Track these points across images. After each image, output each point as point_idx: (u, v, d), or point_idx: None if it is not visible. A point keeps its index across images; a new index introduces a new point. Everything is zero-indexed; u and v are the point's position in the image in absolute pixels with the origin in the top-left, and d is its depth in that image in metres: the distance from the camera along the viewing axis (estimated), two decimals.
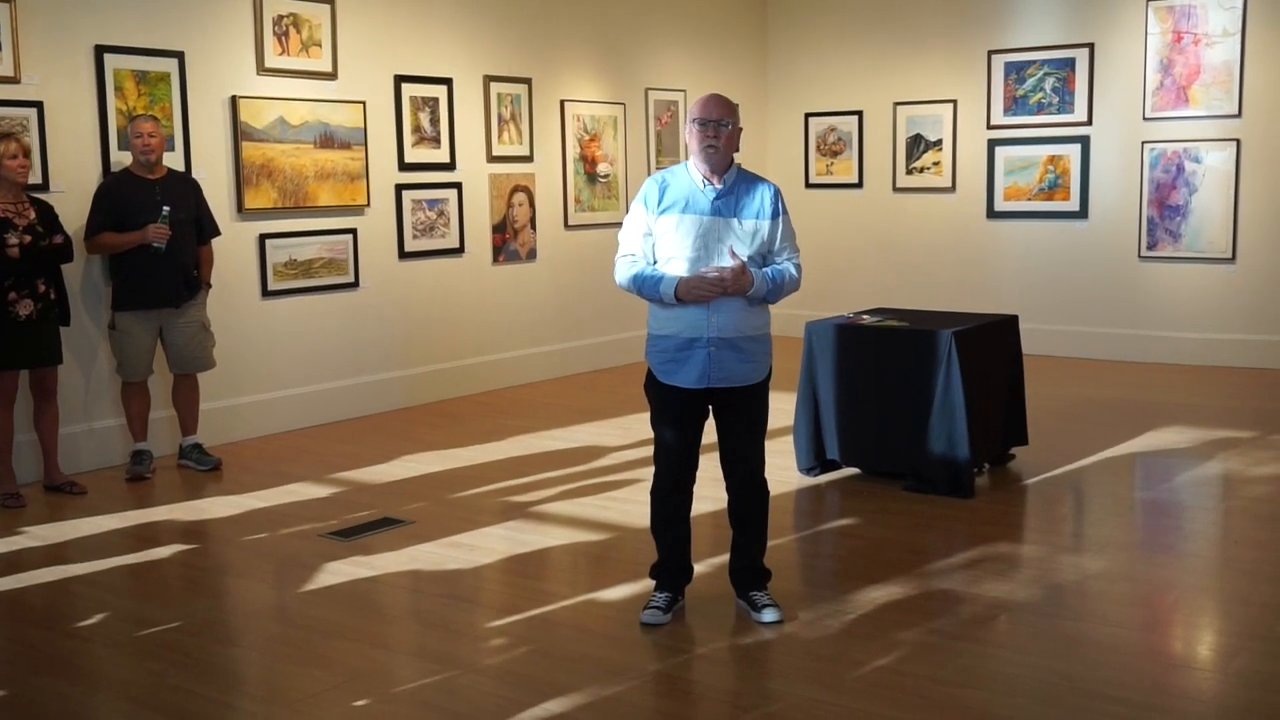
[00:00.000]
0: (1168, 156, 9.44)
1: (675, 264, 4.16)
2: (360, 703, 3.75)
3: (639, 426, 7.15)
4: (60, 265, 6.08)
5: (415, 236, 8.33)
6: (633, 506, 5.63)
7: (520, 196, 9.07)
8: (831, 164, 11.18)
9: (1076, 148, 9.82)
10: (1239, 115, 9.14)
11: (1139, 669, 3.95)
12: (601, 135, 9.71)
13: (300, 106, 7.51)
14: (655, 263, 4.22)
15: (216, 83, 7.14)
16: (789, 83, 11.38)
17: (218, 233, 6.84)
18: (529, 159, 9.12)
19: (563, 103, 9.37)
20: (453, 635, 4.30)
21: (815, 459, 6.28)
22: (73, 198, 6.42)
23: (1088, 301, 9.91)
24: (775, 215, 4.22)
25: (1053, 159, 9.96)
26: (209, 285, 6.72)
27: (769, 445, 4.45)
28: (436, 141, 8.43)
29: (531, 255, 9.19)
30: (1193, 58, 9.27)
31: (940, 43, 10.44)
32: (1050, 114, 9.92)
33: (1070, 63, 9.80)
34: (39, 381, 6.10)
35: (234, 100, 7.19)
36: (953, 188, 10.50)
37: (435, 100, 8.39)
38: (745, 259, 4.12)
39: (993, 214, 10.31)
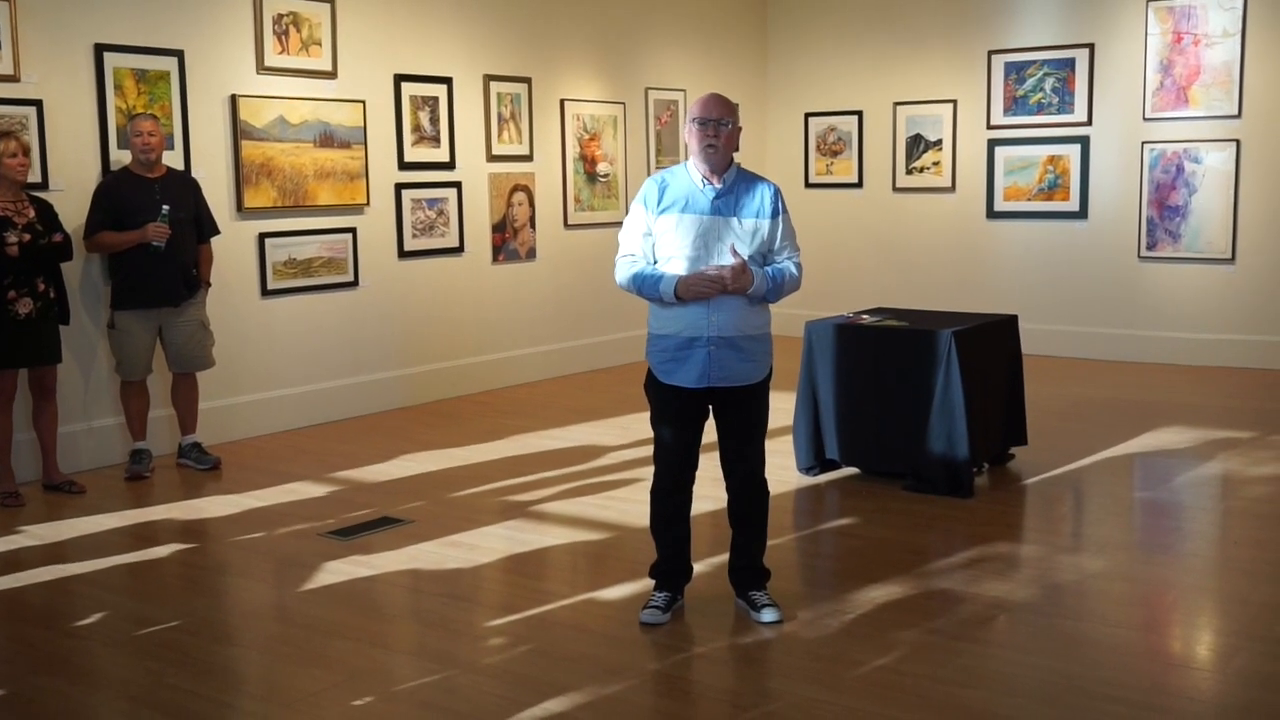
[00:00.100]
0: (1167, 157, 9.44)
1: (675, 263, 4.15)
2: (359, 702, 3.75)
3: (638, 426, 7.15)
4: (59, 264, 6.07)
5: (415, 236, 8.32)
6: (632, 506, 5.63)
7: (520, 196, 9.07)
8: (831, 164, 11.18)
9: (1076, 148, 9.82)
10: (1239, 116, 9.14)
11: (1138, 669, 3.95)
12: (601, 135, 9.71)
13: (300, 105, 7.51)
14: (655, 263, 4.22)
15: (216, 81, 7.13)
16: (789, 82, 11.38)
17: (217, 232, 6.84)
18: (529, 158, 9.12)
19: (562, 102, 9.37)
20: (452, 634, 4.30)
21: (815, 458, 6.28)
22: (72, 196, 6.42)
23: (1087, 302, 9.92)
24: (775, 214, 4.22)
25: (1052, 159, 9.96)
26: (208, 284, 6.72)
27: (768, 445, 4.45)
28: (436, 141, 8.43)
29: (531, 255, 9.19)
30: (1193, 58, 9.27)
31: (940, 43, 10.44)
32: (1050, 114, 9.92)
33: (1070, 63, 9.80)
34: (38, 380, 6.10)
35: (234, 99, 7.19)
36: (952, 188, 10.50)
37: (435, 99, 8.39)
38: (745, 258, 4.12)
39: (992, 214, 10.31)
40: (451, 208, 8.56)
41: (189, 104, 6.98)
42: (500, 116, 8.86)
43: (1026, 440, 6.57)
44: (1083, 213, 9.87)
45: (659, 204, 4.19)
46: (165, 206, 6.29)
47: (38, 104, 6.32)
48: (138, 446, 6.52)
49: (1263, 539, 5.24)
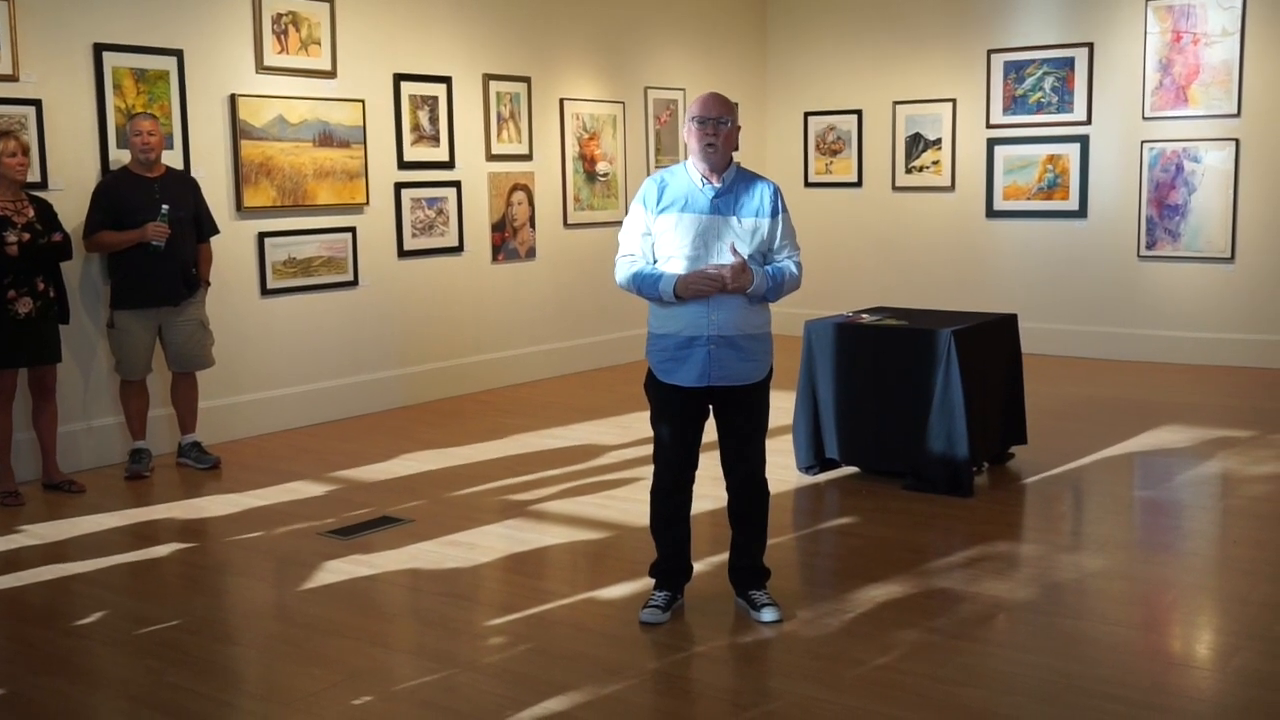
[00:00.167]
0: (1167, 156, 9.44)
1: (675, 263, 4.15)
2: (359, 701, 3.75)
3: (638, 425, 7.15)
4: (59, 263, 6.08)
5: (414, 235, 8.32)
6: (632, 505, 5.63)
7: (519, 195, 9.07)
8: (831, 163, 11.18)
9: (1076, 147, 9.82)
10: (1238, 115, 9.15)
11: (1138, 667, 3.95)
12: (601, 134, 9.71)
13: (299, 105, 7.51)
14: (655, 262, 4.22)
15: (215, 81, 7.13)
16: (788, 82, 11.38)
17: (216, 231, 6.84)
18: (528, 158, 9.12)
19: (562, 101, 9.37)
20: (452, 634, 4.30)
21: (814, 458, 6.28)
22: (71, 196, 6.42)
23: (1087, 301, 9.92)
24: (775, 213, 4.22)
25: (1052, 158, 9.96)
26: (208, 283, 6.72)
27: (768, 444, 4.45)
28: (436, 140, 8.43)
29: (531, 254, 9.19)
30: (1192, 57, 9.27)
31: (940, 42, 10.44)
32: (1049, 113, 9.92)
33: (1069, 62, 9.80)
34: (38, 380, 6.10)
35: (233, 98, 7.19)
36: (952, 187, 10.50)
37: (434, 99, 8.39)
38: (745, 257, 4.12)
39: (992, 213, 10.31)
40: (451, 207, 8.56)
41: (188, 103, 6.98)
42: (500, 116, 8.86)
43: (1026, 439, 6.57)
44: (1082, 212, 9.87)
45: (658, 203, 4.19)
46: (165, 206, 6.30)
47: (37, 103, 6.32)
48: (137, 446, 6.53)
49: (1262, 538, 5.24)
